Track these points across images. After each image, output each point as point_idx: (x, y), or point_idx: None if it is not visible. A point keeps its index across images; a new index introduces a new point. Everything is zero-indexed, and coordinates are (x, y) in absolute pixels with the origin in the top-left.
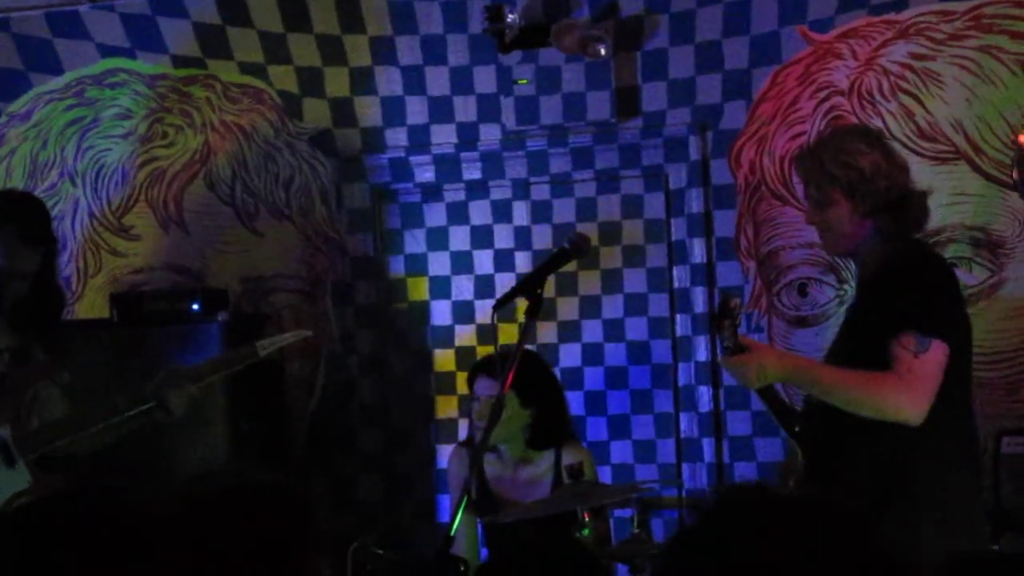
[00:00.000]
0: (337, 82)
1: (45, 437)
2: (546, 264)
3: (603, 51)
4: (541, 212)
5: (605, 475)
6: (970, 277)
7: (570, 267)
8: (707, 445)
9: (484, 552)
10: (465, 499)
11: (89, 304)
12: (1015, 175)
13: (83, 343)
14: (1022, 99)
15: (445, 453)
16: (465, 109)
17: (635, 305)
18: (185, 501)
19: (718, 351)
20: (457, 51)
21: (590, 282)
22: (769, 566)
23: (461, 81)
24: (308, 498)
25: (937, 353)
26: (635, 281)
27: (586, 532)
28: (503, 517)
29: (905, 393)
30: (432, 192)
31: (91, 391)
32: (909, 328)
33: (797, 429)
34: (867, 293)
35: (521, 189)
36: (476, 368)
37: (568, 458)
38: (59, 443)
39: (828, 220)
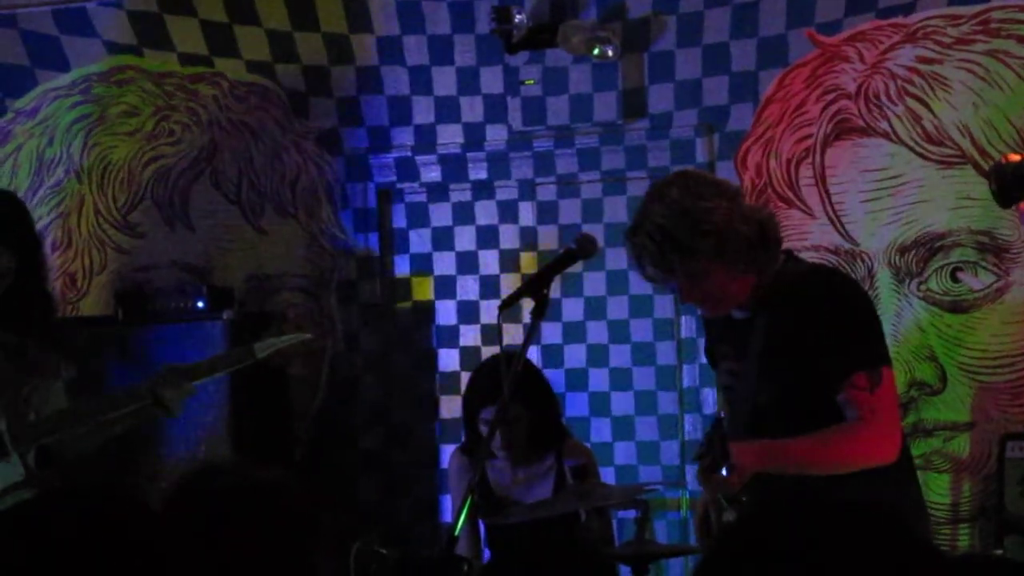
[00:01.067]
0: (344, 81)
1: (39, 431)
2: (552, 265)
3: (610, 52)
4: (547, 213)
5: (609, 476)
6: (976, 282)
7: (576, 268)
8: None
9: (486, 553)
10: (469, 500)
11: (94, 301)
12: (993, 186)
13: (88, 340)
14: None
15: (448, 453)
16: (472, 109)
17: (640, 306)
18: (187, 497)
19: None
20: (464, 51)
21: (596, 283)
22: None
23: (468, 81)
24: (312, 497)
25: (888, 380)
26: (640, 283)
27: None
28: (507, 518)
29: (880, 436)
30: (438, 192)
31: (95, 388)
32: (858, 368)
33: (743, 499)
34: (777, 340)
35: (527, 190)
36: (482, 399)
37: (571, 457)
38: (53, 437)
39: (708, 292)
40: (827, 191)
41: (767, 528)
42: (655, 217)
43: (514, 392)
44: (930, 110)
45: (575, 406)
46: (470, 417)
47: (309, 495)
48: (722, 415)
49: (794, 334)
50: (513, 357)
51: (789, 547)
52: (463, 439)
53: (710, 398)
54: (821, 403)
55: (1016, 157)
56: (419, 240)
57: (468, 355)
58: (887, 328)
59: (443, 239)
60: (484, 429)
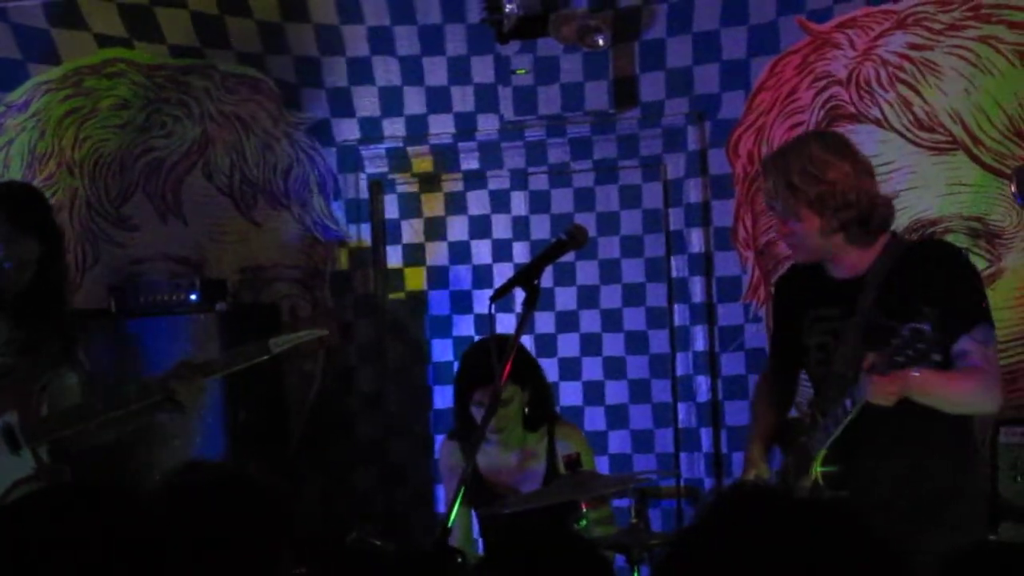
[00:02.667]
0: (335, 72)
1: (51, 426)
2: (543, 255)
3: (601, 41)
4: (539, 202)
5: (603, 465)
6: None
7: (568, 257)
8: (705, 435)
9: (480, 543)
10: (462, 489)
11: (87, 294)
12: (1013, 188)
13: (82, 334)
14: (1020, 89)
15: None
16: (463, 99)
17: (633, 295)
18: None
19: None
20: (455, 41)
21: (588, 272)
22: (768, 564)
23: (459, 71)
24: (282, 492)
25: (995, 339)
26: (633, 271)
27: (583, 523)
28: (502, 508)
29: (994, 385)
30: (430, 182)
31: (92, 382)
32: (979, 322)
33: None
34: (884, 297)
35: (519, 179)
36: (475, 380)
37: (564, 443)
38: (66, 433)
39: (796, 234)
40: None
41: (725, 526)
42: (786, 150)
43: (508, 372)
44: (921, 96)
45: (569, 395)
46: (462, 400)
47: (280, 490)
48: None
49: (921, 288)
50: (504, 338)
51: (747, 546)
52: (454, 425)
53: (704, 386)
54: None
55: None
56: (411, 231)
57: (461, 345)
58: None
59: (435, 229)
60: (476, 411)
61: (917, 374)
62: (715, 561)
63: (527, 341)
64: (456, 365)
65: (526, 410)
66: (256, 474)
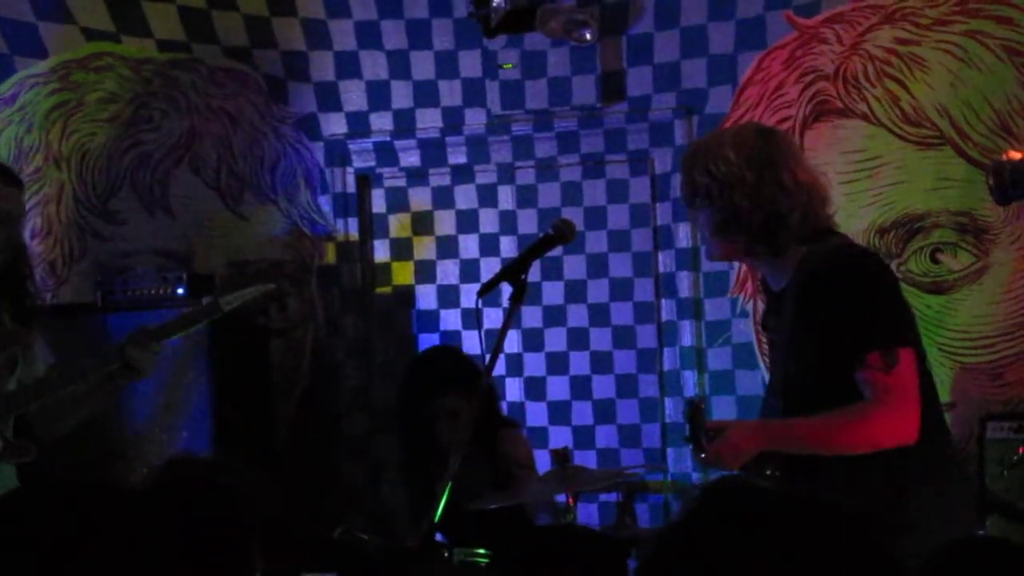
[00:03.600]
0: (322, 66)
1: (15, 402)
2: (530, 250)
3: (588, 35)
4: (526, 197)
5: (590, 459)
6: (955, 263)
7: (556, 251)
8: None
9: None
10: (449, 485)
11: (74, 288)
12: (991, 182)
13: (68, 327)
14: (1007, 84)
15: None
16: (450, 93)
17: (620, 290)
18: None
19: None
20: (442, 35)
21: (575, 266)
22: (754, 559)
23: (446, 65)
24: (249, 490)
25: (907, 361)
26: (620, 266)
27: (571, 517)
28: (484, 503)
29: (894, 418)
30: (417, 176)
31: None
32: (871, 347)
33: (768, 472)
34: (798, 315)
35: (506, 173)
36: (444, 385)
37: (510, 446)
38: (30, 407)
39: (700, 227)
40: None
41: (710, 521)
42: (705, 140)
43: (468, 381)
44: (908, 91)
45: (556, 390)
46: (423, 414)
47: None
48: (696, 397)
49: (816, 310)
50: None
51: (732, 539)
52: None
53: (691, 381)
54: (842, 380)
55: (1016, 155)
56: (399, 225)
57: (448, 340)
58: None
59: (423, 224)
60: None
61: (745, 431)
62: (701, 556)
63: (514, 335)
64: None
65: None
66: (224, 470)
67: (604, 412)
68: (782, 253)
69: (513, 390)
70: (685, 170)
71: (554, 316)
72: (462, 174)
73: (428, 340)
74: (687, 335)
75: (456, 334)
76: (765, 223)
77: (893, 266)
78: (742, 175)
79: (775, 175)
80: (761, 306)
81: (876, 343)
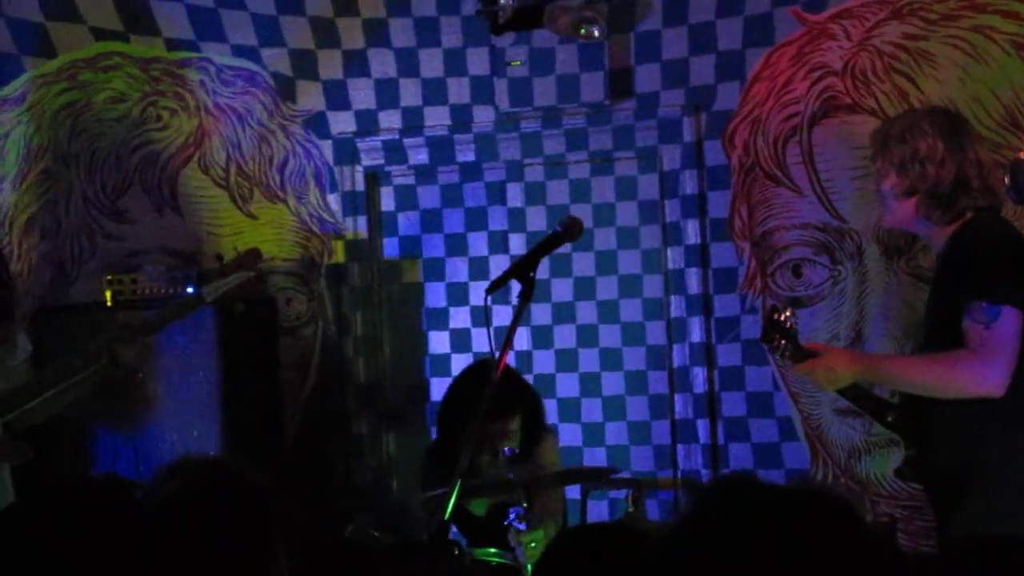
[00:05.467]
0: (331, 64)
1: (7, 405)
2: (539, 247)
3: (596, 32)
4: (535, 194)
5: (600, 457)
6: None
7: (564, 248)
8: (702, 426)
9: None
10: (459, 482)
11: (84, 288)
12: (1007, 181)
13: (78, 326)
14: (1015, 78)
15: None
16: (458, 91)
17: (629, 286)
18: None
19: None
20: (450, 33)
21: (584, 263)
22: (759, 555)
23: (454, 63)
24: (268, 491)
25: (1009, 319)
26: (629, 262)
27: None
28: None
29: (981, 367)
30: (426, 174)
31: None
32: (976, 298)
33: (890, 419)
34: (936, 276)
35: (515, 171)
36: (504, 411)
37: (540, 448)
38: (19, 411)
39: (880, 193)
40: (815, 169)
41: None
42: (901, 115)
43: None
44: (917, 86)
45: (566, 387)
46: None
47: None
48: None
49: (946, 268)
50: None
51: (738, 538)
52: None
53: (700, 377)
54: (953, 330)
55: None
56: (408, 222)
57: (458, 337)
58: (875, 306)
59: (432, 221)
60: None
61: (843, 357)
62: (706, 552)
63: (523, 333)
64: (453, 358)
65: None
66: (244, 471)
67: (613, 409)
68: (955, 221)
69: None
70: (880, 139)
71: (563, 313)
72: (471, 172)
73: (437, 338)
74: (697, 331)
75: (465, 332)
76: (949, 188)
77: (902, 261)
78: (935, 144)
79: (962, 147)
80: (771, 303)
81: (981, 296)
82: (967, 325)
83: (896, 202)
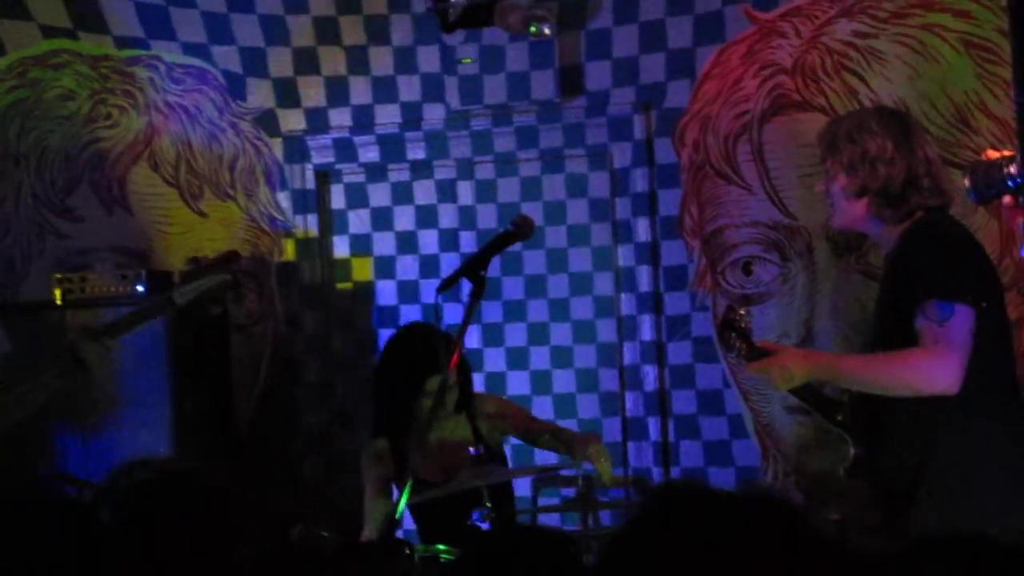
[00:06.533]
0: (281, 62)
1: None
2: (490, 246)
3: (547, 30)
4: (486, 192)
5: (550, 454)
6: None
7: (515, 246)
8: (652, 424)
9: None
10: (411, 481)
11: (33, 286)
12: (967, 183)
13: (27, 325)
14: (965, 77)
15: None
16: (409, 89)
17: (580, 284)
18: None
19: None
20: (401, 31)
21: (535, 261)
22: (702, 561)
23: (405, 61)
24: (225, 485)
25: (962, 317)
26: (580, 260)
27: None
28: (419, 499)
29: (936, 365)
30: (376, 172)
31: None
32: (930, 296)
33: (840, 418)
34: (885, 275)
35: (465, 169)
36: (426, 370)
37: (484, 408)
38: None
39: (829, 193)
40: (765, 167)
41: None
42: (848, 114)
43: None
44: (867, 84)
45: (517, 385)
46: (406, 392)
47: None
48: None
49: (896, 267)
50: (430, 326)
51: (686, 542)
52: (385, 421)
53: (651, 375)
54: (905, 329)
55: (993, 154)
56: (358, 221)
57: (378, 359)
58: (825, 303)
59: (382, 219)
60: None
61: (796, 356)
62: (648, 560)
63: (475, 331)
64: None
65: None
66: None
67: (565, 407)
68: (905, 220)
69: (474, 385)
70: (828, 140)
71: (514, 311)
72: (421, 169)
73: (388, 336)
74: (647, 329)
75: None
76: (900, 188)
77: (853, 259)
78: (884, 143)
79: (911, 146)
80: (722, 301)
81: (934, 294)
82: (921, 324)
83: (847, 202)
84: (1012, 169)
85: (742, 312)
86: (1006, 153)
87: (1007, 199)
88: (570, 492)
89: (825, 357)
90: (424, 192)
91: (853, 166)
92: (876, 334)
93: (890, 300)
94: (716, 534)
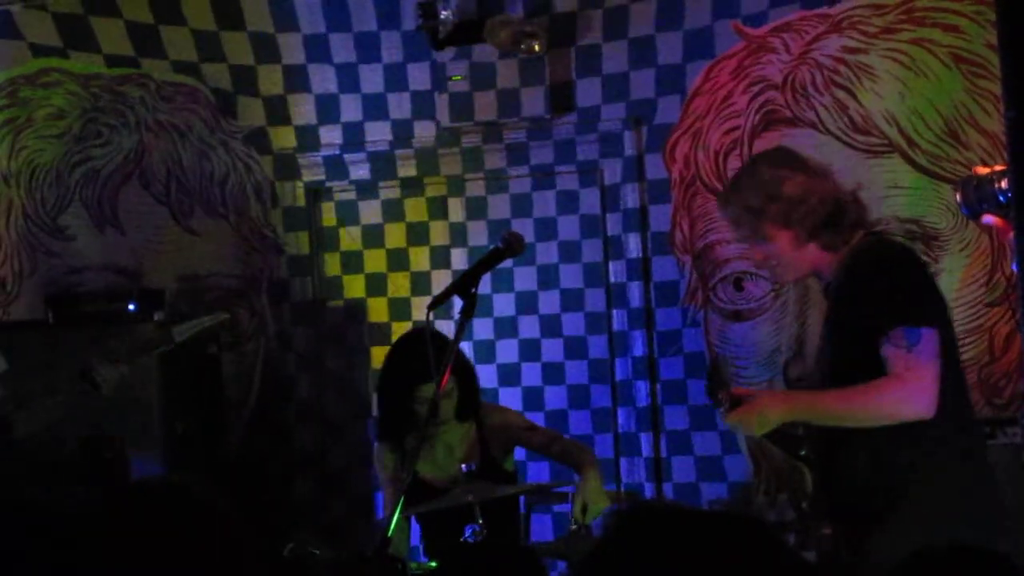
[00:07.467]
0: (271, 80)
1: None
2: (480, 264)
3: (537, 47)
4: (476, 209)
5: (544, 471)
6: None
7: (506, 263)
8: (644, 440)
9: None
10: (402, 499)
11: (25, 305)
12: (959, 199)
13: (19, 344)
14: (955, 91)
15: None
16: (399, 106)
17: (571, 301)
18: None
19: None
20: (391, 48)
21: (526, 278)
22: None
23: (395, 78)
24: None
25: (929, 340)
26: (571, 277)
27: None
28: (411, 511)
29: (911, 392)
30: (367, 190)
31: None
32: (896, 324)
33: (803, 453)
34: (840, 300)
35: (456, 186)
36: (418, 377)
37: (491, 419)
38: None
39: (771, 255)
40: None
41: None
42: (738, 178)
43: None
44: (857, 100)
45: (509, 401)
46: (401, 397)
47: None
48: (716, 363)
49: (851, 293)
50: (435, 331)
51: (656, 560)
52: (384, 426)
53: (643, 391)
54: (870, 359)
55: (983, 170)
56: (349, 238)
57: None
58: (816, 319)
59: (373, 237)
60: (419, 408)
61: (773, 400)
62: None
63: (466, 348)
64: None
65: (458, 399)
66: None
67: (557, 423)
68: (844, 244)
69: (479, 395)
70: (745, 214)
71: (505, 328)
72: (412, 187)
73: (380, 353)
74: (639, 345)
75: None
76: (835, 210)
77: None
78: (795, 178)
79: (808, 170)
80: (713, 317)
81: (900, 321)
82: (888, 352)
83: (796, 254)
84: (1003, 184)
85: (723, 364)
86: (996, 168)
87: (993, 219)
88: (562, 508)
89: (800, 397)
90: (415, 209)
91: (788, 216)
92: (834, 365)
93: (845, 329)
94: (686, 553)
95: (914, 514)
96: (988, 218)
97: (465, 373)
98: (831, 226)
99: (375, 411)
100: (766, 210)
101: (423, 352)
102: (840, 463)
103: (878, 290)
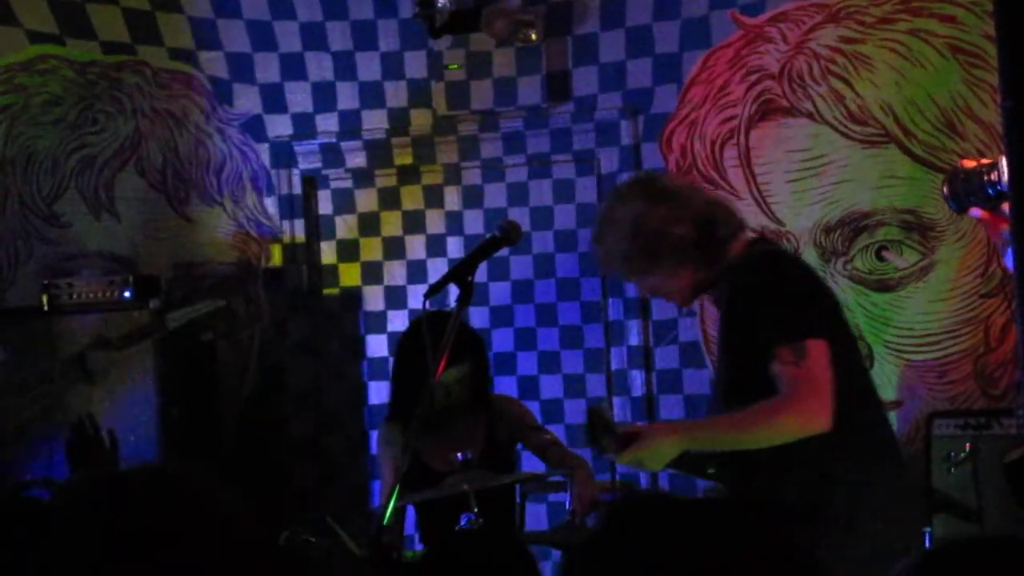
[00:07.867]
0: (268, 68)
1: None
2: (476, 252)
3: (534, 36)
4: (473, 197)
5: (537, 460)
6: (901, 260)
7: (502, 251)
8: None
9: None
10: (397, 488)
11: (20, 292)
12: (946, 191)
13: (14, 331)
14: (951, 82)
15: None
16: (396, 94)
17: (568, 289)
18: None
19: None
20: (388, 36)
21: (523, 266)
22: (666, 570)
23: (392, 66)
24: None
25: (817, 352)
26: (568, 265)
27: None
28: (407, 501)
29: (804, 407)
30: (363, 178)
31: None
32: (778, 342)
33: (711, 471)
34: (726, 324)
35: (452, 174)
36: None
37: (501, 408)
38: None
39: (659, 288)
40: (752, 172)
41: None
42: (601, 231)
43: (462, 349)
44: (853, 89)
45: (504, 389)
46: (411, 378)
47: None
48: (597, 403)
49: (733, 311)
50: (445, 316)
51: (652, 550)
52: (393, 407)
53: (638, 380)
54: (761, 377)
55: (970, 163)
56: (345, 226)
57: (396, 341)
58: None
59: (369, 225)
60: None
61: (664, 432)
62: (613, 570)
63: None
64: (391, 361)
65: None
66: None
67: (552, 411)
68: (721, 258)
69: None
70: (615, 258)
71: (502, 316)
72: (408, 175)
73: (375, 341)
74: (635, 334)
75: None
76: (702, 235)
77: (839, 264)
78: (652, 209)
79: (666, 194)
80: (709, 306)
81: (783, 339)
82: (777, 369)
83: (674, 282)
84: (993, 176)
85: (602, 407)
86: (984, 161)
87: (980, 212)
88: (557, 498)
89: (691, 426)
90: (411, 198)
91: (652, 252)
92: (729, 383)
93: (737, 347)
94: (681, 543)
95: (836, 523)
96: (975, 211)
97: (481, 360)
98: (701, 247)
99: (370, 399)
100: (631, 252)
101: (441, 334)
102: (753, 478)
103: (759, 311)
